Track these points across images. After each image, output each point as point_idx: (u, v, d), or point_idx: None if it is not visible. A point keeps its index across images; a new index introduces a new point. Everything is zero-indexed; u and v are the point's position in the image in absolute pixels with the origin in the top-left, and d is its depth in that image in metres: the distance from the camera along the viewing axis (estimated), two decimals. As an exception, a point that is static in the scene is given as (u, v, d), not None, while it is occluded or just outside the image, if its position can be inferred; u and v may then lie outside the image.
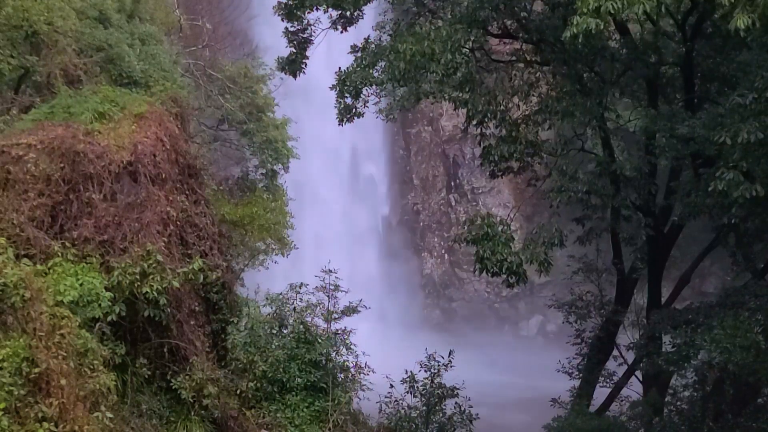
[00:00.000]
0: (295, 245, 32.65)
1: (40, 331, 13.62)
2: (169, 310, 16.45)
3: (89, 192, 16.27)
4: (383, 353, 24.54)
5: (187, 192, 18.30)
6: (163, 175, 17.42)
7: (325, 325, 19.74)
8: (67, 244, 15.70)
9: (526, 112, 23.64)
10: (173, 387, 16.68)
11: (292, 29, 24.89)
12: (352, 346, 19.67)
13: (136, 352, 16.53)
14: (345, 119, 23.33)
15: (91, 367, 14.38)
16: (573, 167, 21.68)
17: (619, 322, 26.07)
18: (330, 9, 23.64)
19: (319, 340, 19.01)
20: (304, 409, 18.53)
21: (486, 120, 22.91)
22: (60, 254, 15.42)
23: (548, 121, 22.56)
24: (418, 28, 22.49)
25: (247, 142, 33.31)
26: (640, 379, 25.71)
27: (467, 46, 21.61)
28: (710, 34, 22.59)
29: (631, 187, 23.40)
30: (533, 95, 23.87)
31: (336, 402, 18.65)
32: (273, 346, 18.92)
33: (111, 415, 14.37)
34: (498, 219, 20.87)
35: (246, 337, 18.82)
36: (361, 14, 24.15)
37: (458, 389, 20.87)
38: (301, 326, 19.21)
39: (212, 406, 16.71)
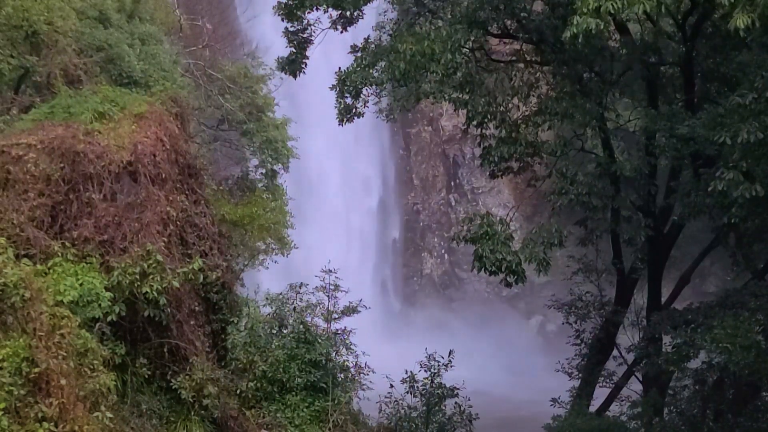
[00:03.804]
0: (295, 245, 32.68)
1: (40, 331, 13.64)
2: (169, 310, 16.46)
3: (89, 192, 16.28)
4: (382, 353, 24.58)
5: (187, 192, 18.30)
6: (163, 175, 17.42)
7: (325, 325, 19.74)
8: (67, 244, 15.71)
9: (526, 113, 23.63)
10: (173, 387, 16.69)
11: (292, 29, 24.85)
12: (352, 346, 19.68)
13: (136, 352, 16.54)
14: (345, 119, 23.32)
15: (91, 367, 14.39)
16: (573, 169, 21.66)
17: (619, 323, 26.05)
18: (330, 9, 23.62)
19: (319, 340, 19.00)
20: (304, 409, 18.53)
21: (486, 121, 22.90)
22: (60, 254, 15.43)
23: (548, 122, 22.56)
24: (418, 28, 22.48)
25: (247, 142, 33.31)
26: (640, 379, 25.70)
27: (467, 46, 21.61)
28: (710, 34, 22.57)
29: (631, 187, 23.38)
30: (533, 96, 23.86)
31: (336, 402, 18.65)
32: (273, 346, 18.92)
33: (111, 415, 14.38)
34: (497, 218, 20.85)
35: (246, 337, 18.82)
36: (361, 14, 24.11)
37: (458, 389, 20.86)
38: (301, 326, 19.21)
39: (212, 406, 16.72)
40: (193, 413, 16.76)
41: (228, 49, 41.31)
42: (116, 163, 16.77)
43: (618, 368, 26.54)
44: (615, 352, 26.47)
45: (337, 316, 20.02)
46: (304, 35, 24.86)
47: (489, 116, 22.76)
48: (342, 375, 19.41)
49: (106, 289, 15.29)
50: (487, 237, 20.04)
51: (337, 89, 22.59)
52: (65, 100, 18.76)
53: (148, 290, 15.61)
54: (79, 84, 21.81)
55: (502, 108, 23.05)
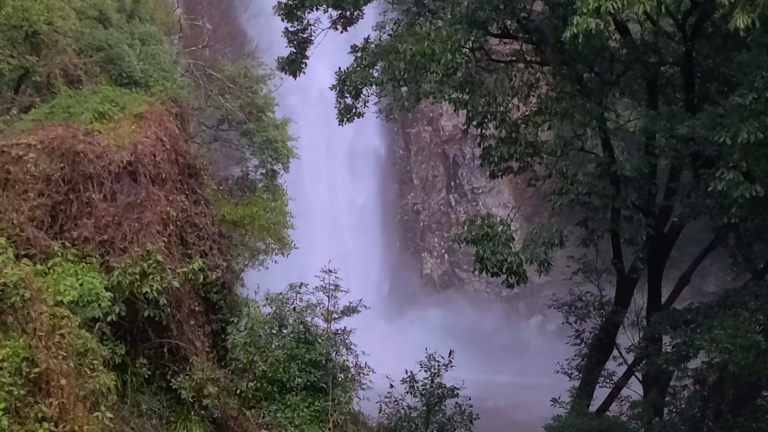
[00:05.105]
0: (295, 245, 32.67)
1: (40, 331, 13.64)
2: (169, 310, 16.47)
3: (89, 192, 16.29)
4: (383, 353, 24.59)
5: (187, 192, 18.32)
6: (163, 175, 17.44)
7: (325, 325, 19.74)
8: (67, 244, 15.72)
9: (526, 113, 23.62)
10: (173, 387, 16.70)
11: (292, 29, 24.86)
12: (352, 346, 19.67)
13: (136, 352, 16.55)
14: (345, 119, 23.33)
15: (91, 367, 14.40)
16: (573, 169, 21.66)
17: (619, 323, 26.04)
18: (330, 9, 23.63)
19: (319, 340, 19.01)
20: (304, 409, 18.54)
21: (486, 121, 22.91)
22: (60, 254, 15.44)
23: (548, 122, 22.55)
24: (418, 28, 22.48)
25: (247, 142, 33.29)
26: (640, 379, 25.69)
27: (467, 47, 21.60)
28: (710, 34, 22.56)
29: (631, 187, 23.38)
30: (533, 96, 23.85)
31: (336, 402, 18.66)
32: (273, 346, 18.93)
33: (111, 415, 14.39)
34: (498, 219, 20.85)
35: (246, 337, 18.83)
36: (361, 14, 24.12)
37: (458, 389, 20.86)
38: (301, 326, 19.22)
39: (212, 406, 16.73)
40: (193, 413, 16.77)
41: (228, 49, 41.32)
42: (116, 163, 16.78)
43: (618, 368, 26.52)
44: (615, 352, 26.46)
45: (337, 316, 20.02)
46: (304, 35, 24.88)
47: (489, 116, 22.76)
48: (342, 375, 19.41)
49: (106, 289, 15.30)
50: (488, 238, 20.03)
51: (337, 89, 22.61)
52: (65, 100, 18.77)
53: (148, 290, 15.62)
54: (79, 84, 21.79)
55: (502, 108, 23.04)
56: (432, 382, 20.79)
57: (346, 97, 22.65)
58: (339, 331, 19.75)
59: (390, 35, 23.98)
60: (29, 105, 20.35)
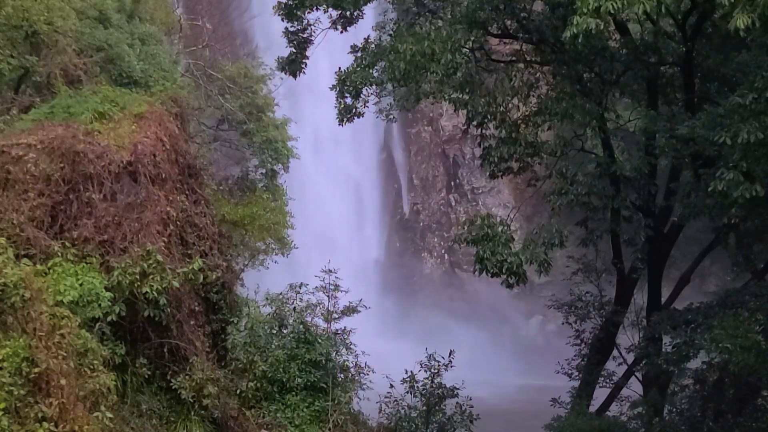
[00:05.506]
0: (294, 245, 32.70)
1: (40, 331, 13.64)
2: (169, 310, 16.47)
3: (89, 192, 16.29)
4: (383, 353, 24.60)
5: (187, 192, 18.31)
6: (163, 175, 17.43)
7: (325, 325, 19.74)
8: (67, 244, 15.72)
9: (526, 113, 23.62)
10: (173, 387, 16.70)
11: (292, 29, 24.88)
12: (352, 346, 19.68)
13: (136, 352, 16.55)
14: (345, 119, 23.34)
15: (91, 367, 14.40)
16: (573, 169, 21.65)
17: (619, 323, 26.03)
18: (330, 9, 23.65)
19: (319, 340, 19.01)
20: (304, 409, 18.54)
21: (486, 121, 22.90)
22: (60, 254, 15.44)
23: (548, 122, 22.55)
24: (418, 28, 22.50)
25: (247, 142, 33.36)
26: (640, 379, 25.69)
27: (467, 47, 21.60)
28: (710, 34, 22.56)
29: (631, 187, 23.37)
30: (533, 96, 23.85)
31: (336, 402, 18.66)
32: (273, 346, 18.93)
33: (111, 415, 14.39)
34: (498, 219, 20.84)
35: (246, 337, 18.83)
36: (361, 14, 24.14)
37: (458, 389, 20.87)
38: (301, 326, 19.22)
39: (212, 406, 16.73)
40: (193, 413, 16.77)
41: (228, 49, 41.36)
42: (116, 163, 16.77)
43: (618, 368, 26.51)
44: (615, 352, 26.45)
45: (337, 316, 20.03)
46: (304, 35, 24.89)
47: (489, 116, 22.75)
48: (342, 375, 19.42)
49: (106, 289, 15.30)
50: (488, 239, 20.03)
51: (337, 89, 22.61)
52: (65, 100, 18.78)
53: (148, 290, 15.62)
54: (79, 84, 21.80)
55: (502, 108, 23.03)
56: (432, 382, 20.79)
57: (346, 97, 22.66)
58: (339, 331, 19.76)
59: (390, 35, 23.99)
60: (29, 105, 20.36)
